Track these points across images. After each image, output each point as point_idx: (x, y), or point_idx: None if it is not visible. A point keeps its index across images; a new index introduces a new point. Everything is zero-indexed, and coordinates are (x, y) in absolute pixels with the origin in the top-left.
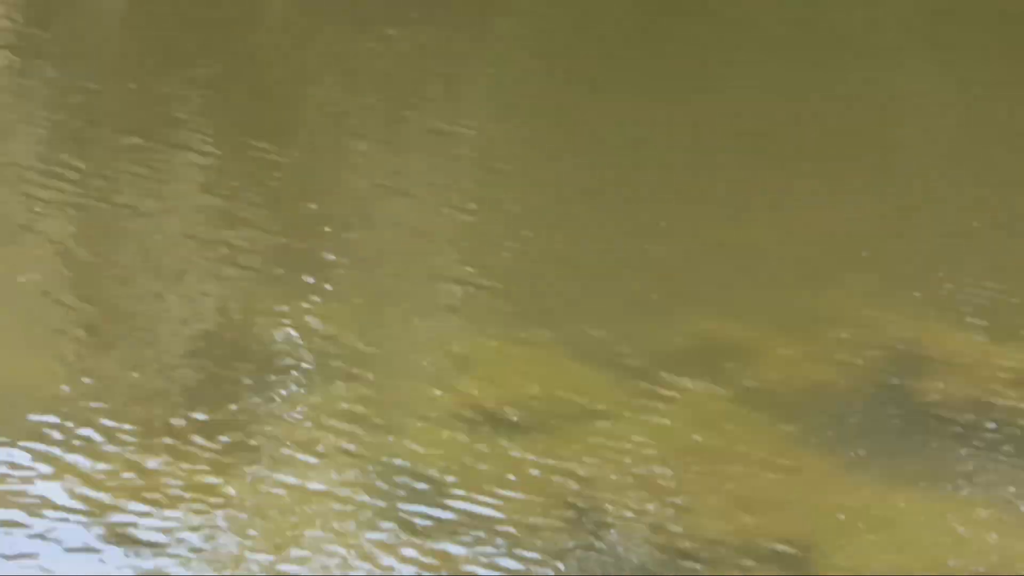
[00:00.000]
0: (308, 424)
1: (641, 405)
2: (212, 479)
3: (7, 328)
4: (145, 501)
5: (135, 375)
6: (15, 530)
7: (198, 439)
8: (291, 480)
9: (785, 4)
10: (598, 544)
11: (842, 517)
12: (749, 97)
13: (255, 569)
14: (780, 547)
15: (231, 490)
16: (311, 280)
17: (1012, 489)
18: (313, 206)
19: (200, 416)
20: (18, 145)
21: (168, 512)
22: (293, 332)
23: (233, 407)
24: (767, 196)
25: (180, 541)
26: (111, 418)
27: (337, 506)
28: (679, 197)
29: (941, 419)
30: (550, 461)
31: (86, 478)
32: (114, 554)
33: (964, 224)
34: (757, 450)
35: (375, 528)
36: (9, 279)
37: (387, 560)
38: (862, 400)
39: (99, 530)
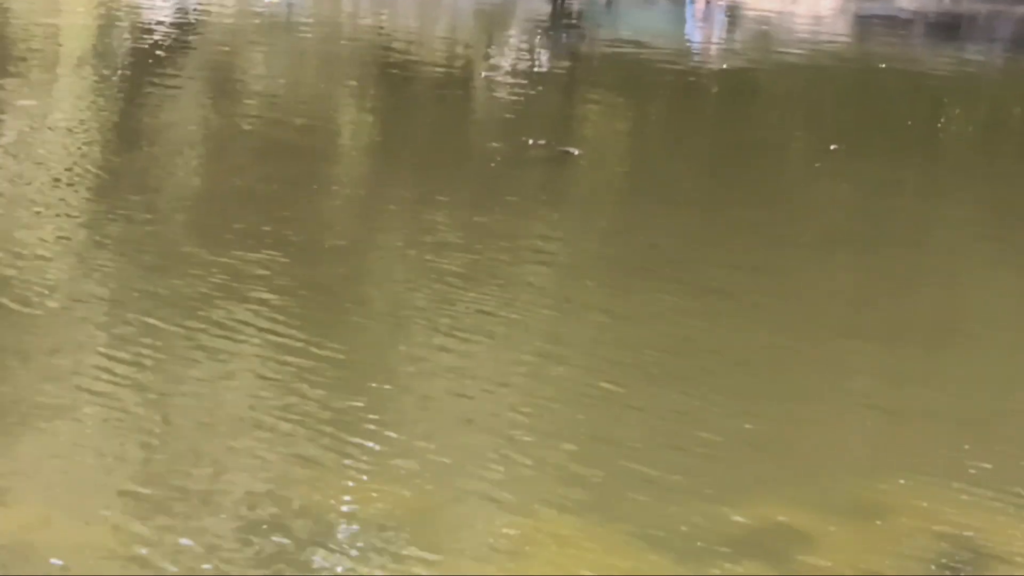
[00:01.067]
0: None
1: None
2: None
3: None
4: None
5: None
6: None
7: None
8: None
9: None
10: None
11: None
12: (805, 279)
13: None
14: None
15: None
16: (363, 445)
17: None
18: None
19: None
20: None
21: None
22: (342, 501)
23: None
24: (825, 383)
25: None
26: None
27: None
28: (733, 378)
29: None
30: None
31: None
32: None
33: None
34: None
35: None
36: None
37: None
38: None
39: None
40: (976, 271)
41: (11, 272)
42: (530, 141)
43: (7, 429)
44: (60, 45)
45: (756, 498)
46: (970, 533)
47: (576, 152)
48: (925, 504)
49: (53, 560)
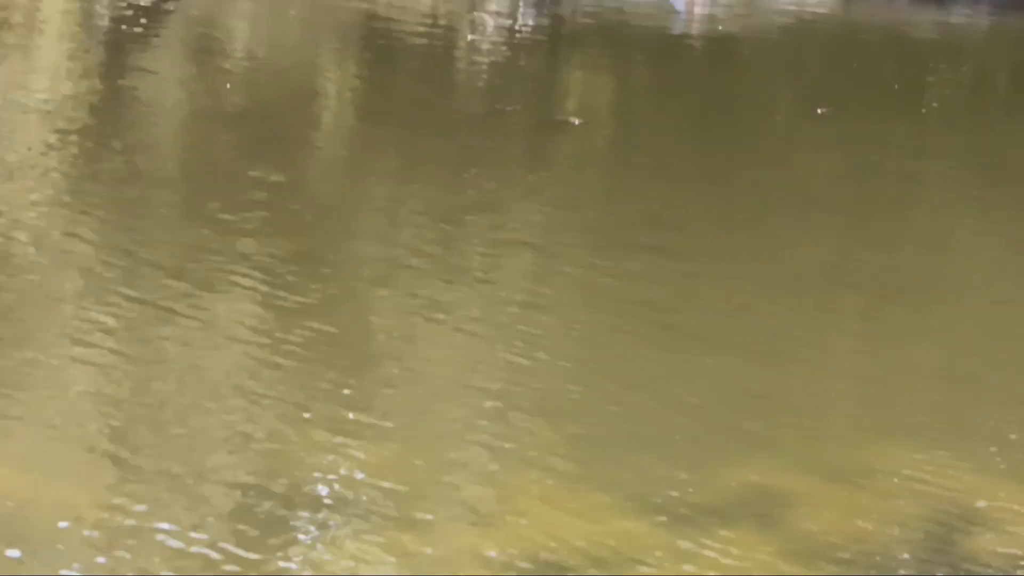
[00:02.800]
0: (346, 562)
1: (685, 554)
2: None
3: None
4: None
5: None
6: None
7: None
8: None
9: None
10: None
11: None
12: (792, 244)
13: None
14: None
15: None
16: (350, 415)
17: None
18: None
19: (249, 556)
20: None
21: None
22: (331, 467)
23: (275, 545)
24: (812, 344)
25: None
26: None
27: None
28: (717, 341)
29: (991, 569)
30: None
31: None
32: None
33: (1014, 374)
34: None
35: None
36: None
37: None
38: (910, 552)
39: None
40: (961, 230)
41: None
42: (508, 108)
43: None
44: (39, 11)
45: (742, 460)
46: (957, 492)
47: (572, 120)
48: (912, 464)
49: (33, 529)
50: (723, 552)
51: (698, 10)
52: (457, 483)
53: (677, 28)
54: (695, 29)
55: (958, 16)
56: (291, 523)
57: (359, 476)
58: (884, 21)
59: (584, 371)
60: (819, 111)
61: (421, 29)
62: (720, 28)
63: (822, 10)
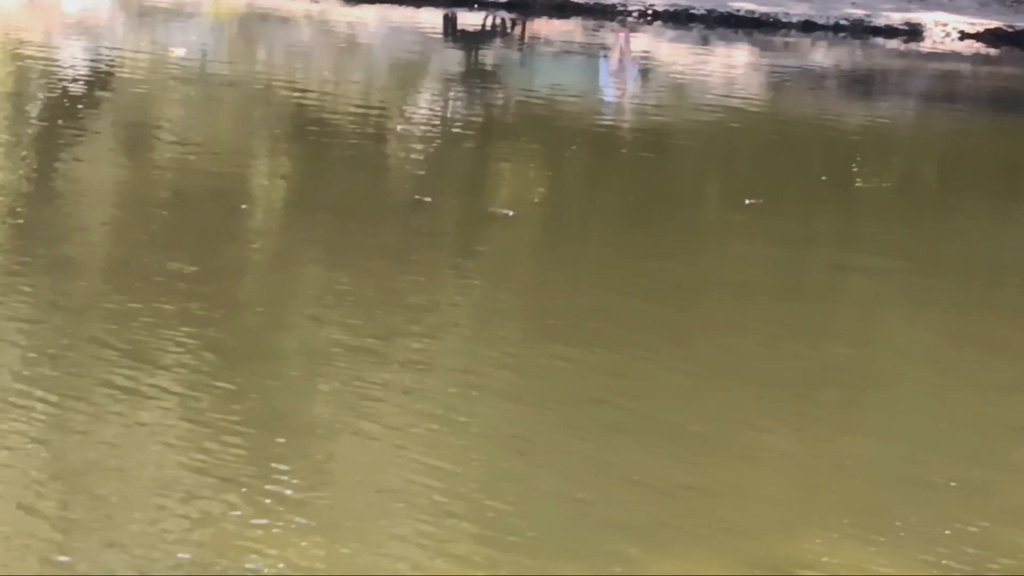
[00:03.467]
0: None
1: None
2: None
3: None
4: None
5: None
6: None
7: None
8: None
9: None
10: None
11: None
12: (721, 334)
13: None
14: None
15: None
16: (280, 506)
17: None
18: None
19: None
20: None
21: None
22: (264, 554)
23: None
24: (739, 435)
25: None
26: None
27: None
28: (643, 432)
29: None
30: None
31: None
32: None
33: (946, 467)
34: None
35: None
36: None
37: None
38: None
39: None
40: (891, 322)
41: None
42: (431, 200)
43: None
44: None
45: (671, 553)
46: None
47: (505, 212)
48: (842, 557)
49: None
50: None
51: (629, 96)
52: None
53: (607, 116)
54: (625, 116)
55: (885, 109)
56: None
57: (287, 563)
58: (811, 113)
59: (512, 459)
60: (747, 202)
61: (353, 119)
62: (649, 115)
63: (749, 99)
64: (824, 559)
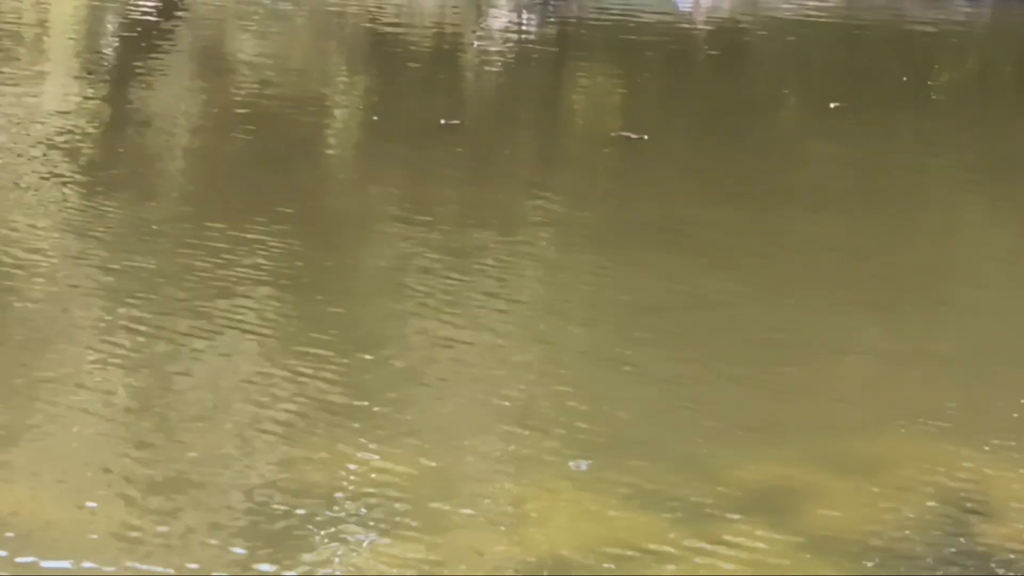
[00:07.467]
0: (359, 565)
1: (701, 550)
2: None
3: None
4: None
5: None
6: None
7: None
8: None
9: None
10: None
11: None
12: (803, 239)
13: None
14: None
15: None
16: (361, 424)
17: None
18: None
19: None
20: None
21: None
22: (348, 479)
23: (290, 554)
24: (825, 337)
25: None
26: None
27: None
28: (728, 336)
29: (1007, 562)
30: None
31: None
32: None
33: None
34: None
35: None
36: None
37: None
38: (925, 546)
39: None
40: (970, 223)
41: (2, 257)
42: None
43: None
44: (48, 26)
45: (756, 454)
46: (972, 483)
47: (630, 136)
48: (927, 455)
49: (41, 545)
50: (737, 547)
51: (704, 6)
52: (471, 488)
53: (683, 27)
54: (700, 28)
55: (960, 11)
56: (305, 527)
57: (372, 481)
58: (887, 17)
59: (592, 374)
60: (832, 105)
61: (427, 37)
62: (727, 24)
63: (827, 4)
64: (909, 457)
